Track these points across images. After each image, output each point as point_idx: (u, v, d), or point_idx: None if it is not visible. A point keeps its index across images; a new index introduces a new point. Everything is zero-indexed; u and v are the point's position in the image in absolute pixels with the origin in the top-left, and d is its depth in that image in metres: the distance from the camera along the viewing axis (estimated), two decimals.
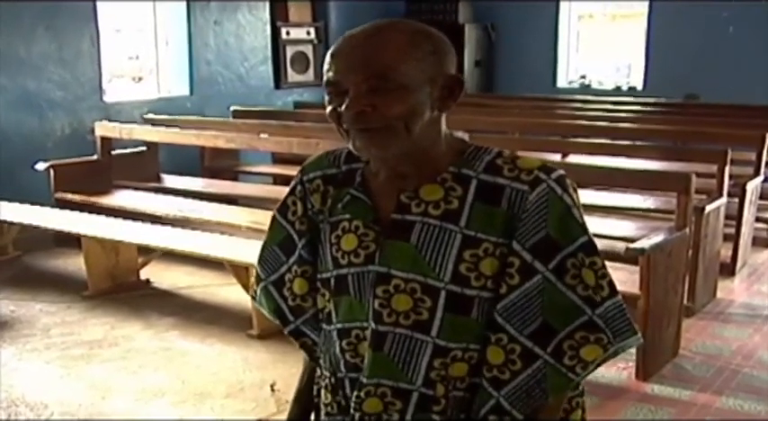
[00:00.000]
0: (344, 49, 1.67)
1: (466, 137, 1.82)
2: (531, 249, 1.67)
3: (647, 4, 11.22)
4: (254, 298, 2.04)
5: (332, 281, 1.82)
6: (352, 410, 1.80)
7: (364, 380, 1.77)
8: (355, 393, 1.79)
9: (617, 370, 4.87)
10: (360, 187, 1.80)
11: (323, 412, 1.91)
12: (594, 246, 1.70)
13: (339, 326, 1.82)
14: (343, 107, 1.65)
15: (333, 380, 1.86)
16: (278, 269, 1.95)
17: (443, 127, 1.76)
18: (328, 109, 1.70)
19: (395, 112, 1.63)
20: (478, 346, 1.72)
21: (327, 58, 1.69)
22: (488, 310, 1.71)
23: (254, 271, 5.05)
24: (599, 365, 1.72)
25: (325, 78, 1.69)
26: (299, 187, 1.90)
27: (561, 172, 1.72)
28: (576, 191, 1.72)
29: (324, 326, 1.88)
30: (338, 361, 1.83)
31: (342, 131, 1.70)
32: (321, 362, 1.91)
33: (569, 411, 1.83)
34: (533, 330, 1.68)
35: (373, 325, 1.74)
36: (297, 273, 1.92)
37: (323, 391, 1.90)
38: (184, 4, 9.62)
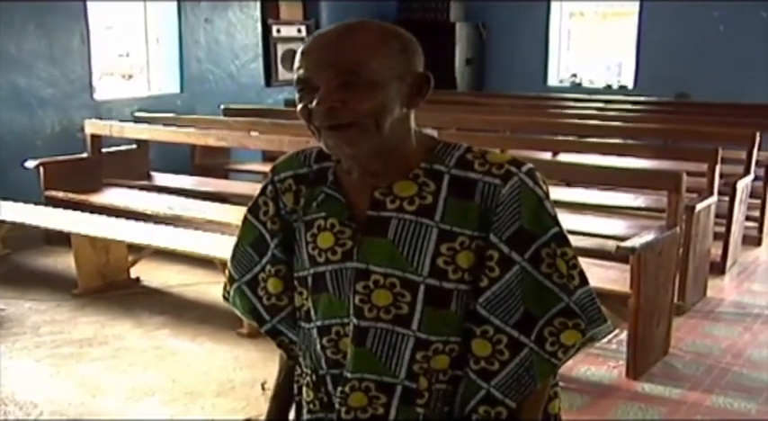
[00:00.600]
0: (315, 47, 1.69)
1: (434, 133, 1.85)
2: (508, 241, 1.71)
3: (637, 2, 11.24)
4: (225, 298, 2.04)
5: (309, 279, 1.83)
6: (337, 405, 1.81)
7: (348, 376, 1.78)
8: (339, 388, 1.80)
9: (607, 368, 4.87)
10: (333, 185, 1.81)
11: (305, 409, 1.92)
12: (565, 236, 1.75)
13: (319, 323, 1.83)
14: (314, 103, 1.67)
15: (314, 377, 1.87)
16: (251, 269, 1.95)
17: (412, 124, 1.78)
18: (299, 106, 1.72)
19: (365, 108, 1.65)
20: (459, 339, 1.75)
21: (298, 56, 1.71)
22: (466, 303, 1.74)
23: None
24: (578, 350, 1.76)
25: (295, 76, 1.71)
26: (270, 187, 1.91)
27: (530, 165, 1.75)
28: (545, 183, 1.77)
29: (302, 324, 1.89)
30: (319, 358, 1.84)
31: (313, 129, 1.72)
32: (301, 360, 1.92)
33: (548, 401, 1.87)
34: (517, 320, 1.72)
35: (355, 320, 1.76)
36: (271, 272, 1.92)
37: (304, 389, 1.91)
38: (175, 1, 9.60)
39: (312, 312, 1.84)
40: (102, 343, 5.37)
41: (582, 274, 1.76)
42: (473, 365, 1.74)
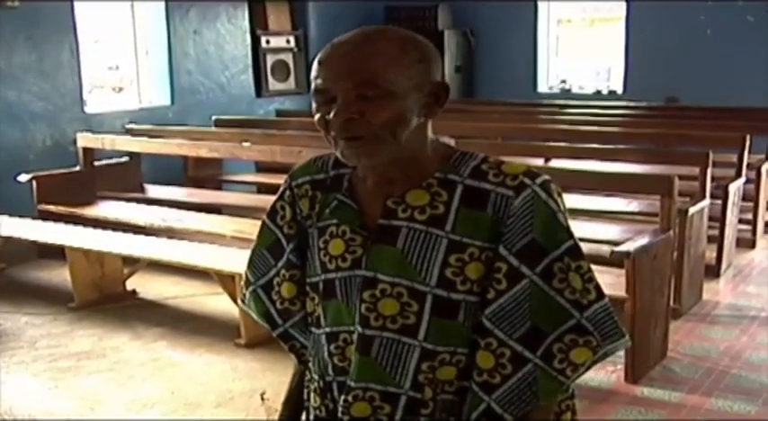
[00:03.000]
0: (333, 57, 1.68)
1: (452, 142, 1.85)
2: (518, 254, 1.68)
3: (624, 5, 11.27)
4: (243, 301, 2.05)
5: (320, 285, 1.84)
6: (340, 414, 1.81)
7: (352, 384, 1.78)
8: (343, 397, 1.80)
9: (606, 373, 4.89)
10: (347, 192, 1.81)
11: (312, 415, 1.92)
12: (580, 250, 1.71)
13: (327, 329, 1.83)
14: (332, 114, 1.66)
15: (321, 383, 1.87)
16: (267, 273, 1.96)
17: (429, 133, 1.77)
18: (316, 117, 1.71)
19: (382, 119, 1.64)
20: (466, 350, 1.73)
21: (315, 66, 1.70)
22: (475, 314, 1.72)
23: (240, 279, 4.98)
24: (589, 368, 1.73)
25: (312, 86, 1.70)
26: (287, 192, 1.92)
27: (546, 177, 1.73)
28: (560, 195, 1.74)
29: (313, 329, 1.90)
30: (326, 364, 1.84)
31: (329, 139, 1.71)
32: (310, 365, 1.93)
33: (559, 414, 1.85)
34: (522, 334, 1.69)
35: (360, 329, 1.76)
36: (285, 276, 1.93)
37: (312, 395, 1.92)
38: (163, 13, 9.59)
39: (322, 318, 1.85)
40: (100, 356, 5.37)
41: (598, 288, 1.72)
42: (476, 377, 1.72)
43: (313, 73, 1.70)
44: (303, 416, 2.02)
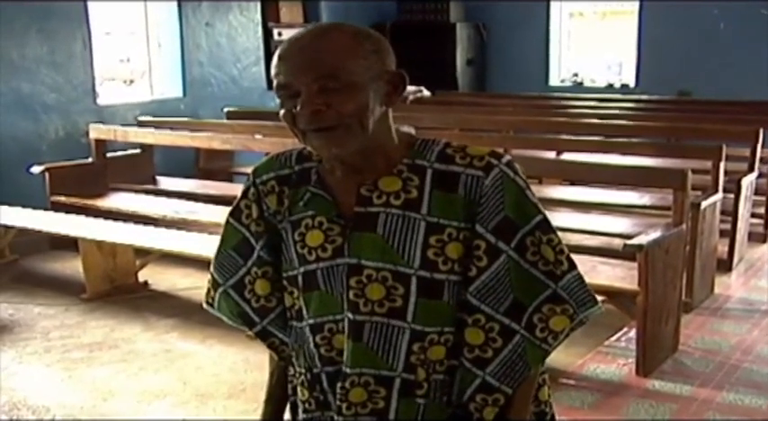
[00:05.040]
0: (292, 51, 1.71)
1: (412, 131, 1.88)
2: (494, 231, 1.75)
3: (637, 1, 11.25)
4: (209, 304, 2.03)
5: (300, 278, 1.85)
6: (337, 402, 1.83)
7: (348, 371, 1.80)
8: (339, 384, 1.82)
9: (617, 366, 4.88)
10: (318, 184, 1.84)
11: (300, 409, 1.94)
12: (550, 223, 1.80)
13: (311, 321, 1.85)
14: (298, 108, 1.69)
15: (308, 376, 1.89)
16: (236, 272, 1.96)
17: (391, 122, 1.81)
18: (282, 111, 1.74)
19: (349, 109, 1.68)
20: (453, 329, 1.79)
21: (275, 62, 1.73)
22: (458, 293, 1.78)
23: None
24: (567, 335, 1.81)
25: (275, 82, 1.73)
26: (252, 190, 1.92)
27: (509, 157, 1.80)
28: (524, 174, 1.81)
29: (294, 323, 1.91)
30: (313, 356, 1.86)
31: (296, 132, 1.74)
32: (294, 359, 1.94)
33: (538, 388, 1.90)
34: (507, 307, 1.76)
35: (350, 315, 1.79)
36: (258, 274, 1.94)
37: (299, 388, 1.93)
38: (176, 5, 9.61)
39: (304, 310, 1.86)
40: (112, 346, 5.39)
41: (569, 259, 1.80)
42: (467, 354, 1.78)
43: (273, 69, 1.73)
44: (287, 415, 2.04)
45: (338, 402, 1.82)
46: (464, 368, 1.79)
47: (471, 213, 1.75)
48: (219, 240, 1.99)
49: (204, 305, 2.05)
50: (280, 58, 1.72)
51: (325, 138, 1.70)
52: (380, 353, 1.78)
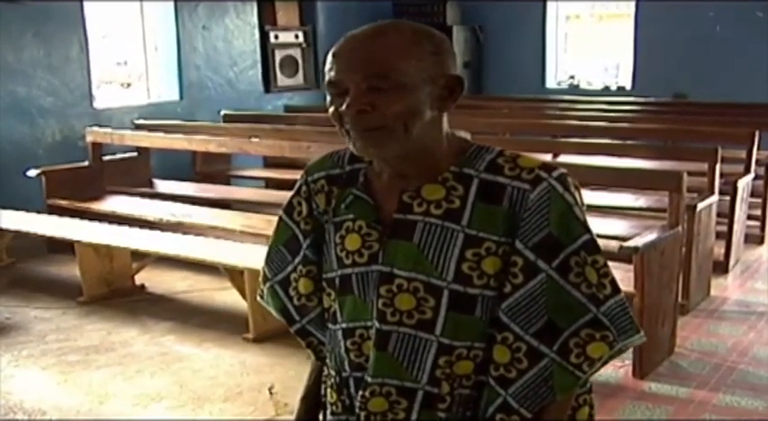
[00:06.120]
0: (345, 49, 1.68)
1: (468, 136, 1.83)
2: (534, 248, 1.67)
3: (633, 4, 11.27)
4: (261, 297, 2.04)
5: (337, 280, 1.83)
6: (357, 409, 1.80)
7: (369, 380, 1.77)
8: (360, 392, 1.79)
9: (614, 368, 4.88)
10: (362, 187, 1.80)
11: (329, 411, 1.92)
12: (596, 244, 1.70)
13: (344, 325, 1.82)
14: (344, 106, 1.66)
15: (338, 379, 1.87)
16: (284, 269, 1.95)
17: (445, 126, 1.76)
18: (330, 109, 1.71)
19: (394, 111, 1.64)
20: (483, 344, 1.73)
21: (329, 58, 1.70)
22: (492, 309, 1.71)
23: (248, 274, 4.99)
24: (605, 363, 1.72)
25: (326, 78, 1.70)
26: (303, 188, 1.91)
27: (562, 170, 1.72)
28: (578, 189, 1.73)
29: (329, 325, 1.89)
30: (343, 360, 1.84)
31: (343, 132, 1.71)
32: (327, 361, 1.92)
33: (576, 408, 1.83)
34: (539, 329, 1.68)
35: (377, 324, 1.75)
36: (302, 272, 1.92)
37: (329, 390, 1.91)
38: (172, 8, 9.61)
39: (338, 314, 1.84)
40: (109, 350, 5.38)
41: (613, 283, 1.71)
42: (493, 372, 1.72)
43: (327, 65, 1.70)
44: (321, 414, 2.01)
45: (358, 410, 1.80)
46: (489, 385, 1.73)
47: (513, 227, 1.68)
48: (272, 234, 1.98)
49: (258, 298, 2.05)
50: (333, 55, 1.69)
51: (366, 139, 1.67)
52: (405, 365, 1.74)
